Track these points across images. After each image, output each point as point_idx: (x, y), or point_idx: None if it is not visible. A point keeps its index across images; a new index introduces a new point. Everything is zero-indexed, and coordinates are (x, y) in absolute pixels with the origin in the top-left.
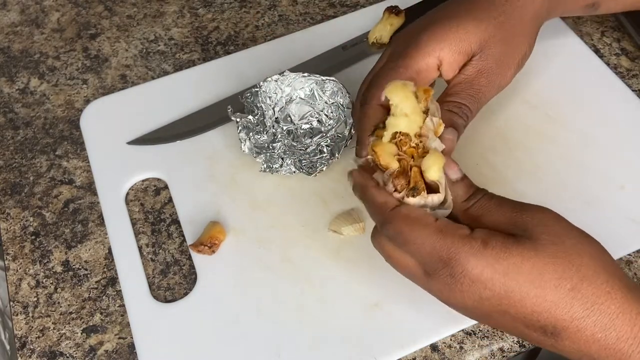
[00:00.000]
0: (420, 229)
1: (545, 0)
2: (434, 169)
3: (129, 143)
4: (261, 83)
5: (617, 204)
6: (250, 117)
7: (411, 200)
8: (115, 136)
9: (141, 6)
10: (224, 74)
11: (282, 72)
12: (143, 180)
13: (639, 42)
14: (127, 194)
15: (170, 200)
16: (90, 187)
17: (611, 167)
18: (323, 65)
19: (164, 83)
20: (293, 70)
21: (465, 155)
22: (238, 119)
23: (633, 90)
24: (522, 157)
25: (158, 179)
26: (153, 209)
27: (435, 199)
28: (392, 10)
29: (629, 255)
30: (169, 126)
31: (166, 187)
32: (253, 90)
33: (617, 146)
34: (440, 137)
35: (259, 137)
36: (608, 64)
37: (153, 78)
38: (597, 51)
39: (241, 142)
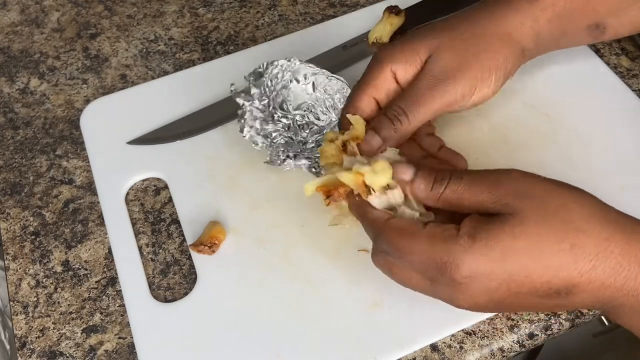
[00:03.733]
0: (410, 237)
1: (527, 32)
2: (380, 178)
3: (129, 143)
4: (267, 64)
5: (617, 204)
6: (256, 101)
7: (374, 200)
8: (115, 136)
9: (141, 6)
10: (224, 73)
11: (289, 58)
12: (143, 180)
13: (639, 42)
14: (127, 193)
15: (170, 200)
16: (90, 187)
17: (611, 167)
18: (323, 65)
19: (164, 83)
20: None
21: (464, 156)
22: (243, 102)
23: (633, 90)
24: (521, 156)
25: (158, 179)
26: (153, 208)
27: (396, 194)
28: (392, 10)
29: None
30: (169, 126)
31: (166, 187)
32: (257, 70)
33: (616, 146)
34: (359, 143)
35: (265, 125)
36: (608, 64)
37: (153, 78)
38: (597, 51)
39: (244, 128)
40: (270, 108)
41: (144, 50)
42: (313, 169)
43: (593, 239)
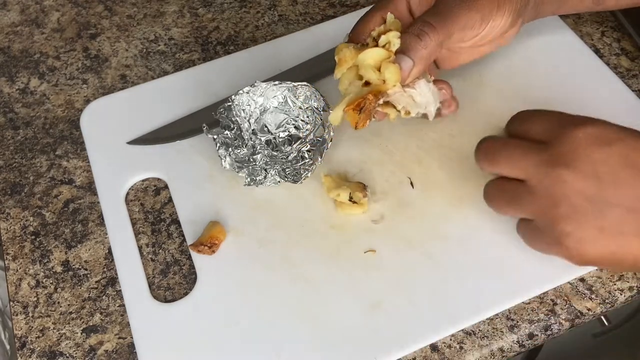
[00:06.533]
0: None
1: None
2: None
3: (129, 143)
4: (233, 97)
5: None
6: (227, 132)
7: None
8: (115, 136)
9: (141, 6)
10: (224, 74)
11: (253, 84)
12: (143, 180)
13: (638, 42)
14: (127, 193)
15: (170, 200)
16: (90, 187)
17: None
18: (323, 65)
19: (164, 83)
20: (281, 76)
21: (464, 156)
22: (215, 136)
23: (633, 90)
24: None
25: (158, 179)
26: (153, 209)
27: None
28: None
29: None
30: (169, 126)
31: (166, 187)
32: (226, 105)
33: None
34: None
35: (238, 151)
36: (608, 64)
37: (153, 78)
38: (597, 51)
39: (221, 159)
40: (247, 134)
41: (144, 50)
42: (288, 178)
43: None
